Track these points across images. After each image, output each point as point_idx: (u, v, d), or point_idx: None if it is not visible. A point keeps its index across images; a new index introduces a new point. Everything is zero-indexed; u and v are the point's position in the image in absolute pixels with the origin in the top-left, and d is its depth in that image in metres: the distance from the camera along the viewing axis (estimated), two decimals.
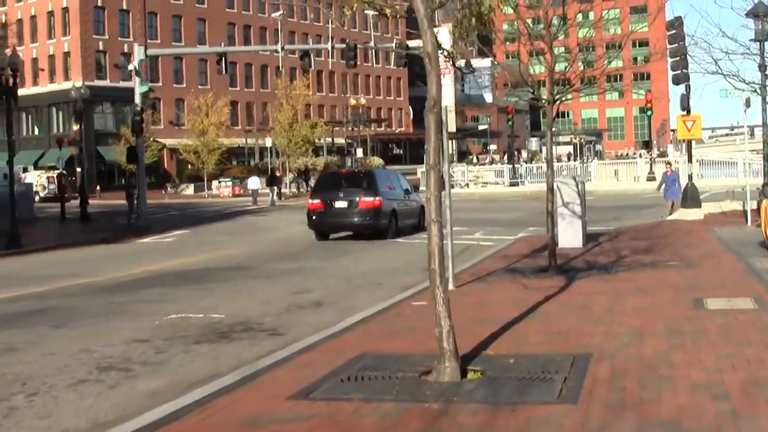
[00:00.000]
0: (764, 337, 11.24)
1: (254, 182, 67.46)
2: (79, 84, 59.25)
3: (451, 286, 17.26)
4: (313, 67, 54.40)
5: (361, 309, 15.47)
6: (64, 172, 57.90)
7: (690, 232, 28.29)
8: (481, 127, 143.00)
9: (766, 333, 11.53)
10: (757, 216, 29.24)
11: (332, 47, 53.41)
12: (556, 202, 24.83)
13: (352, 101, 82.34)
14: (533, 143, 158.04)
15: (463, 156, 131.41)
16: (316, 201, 31.95)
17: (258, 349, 12.78)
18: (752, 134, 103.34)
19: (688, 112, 33.70)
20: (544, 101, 19.62)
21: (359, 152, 70.82)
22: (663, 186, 36.35)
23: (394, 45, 53.79)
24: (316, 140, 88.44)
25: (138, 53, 48.22)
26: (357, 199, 31.62)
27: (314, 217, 31.54)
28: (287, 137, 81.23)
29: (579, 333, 12.11)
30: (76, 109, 51.17)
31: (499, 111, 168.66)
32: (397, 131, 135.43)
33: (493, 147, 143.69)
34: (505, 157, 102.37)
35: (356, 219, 31.86)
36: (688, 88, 34.12)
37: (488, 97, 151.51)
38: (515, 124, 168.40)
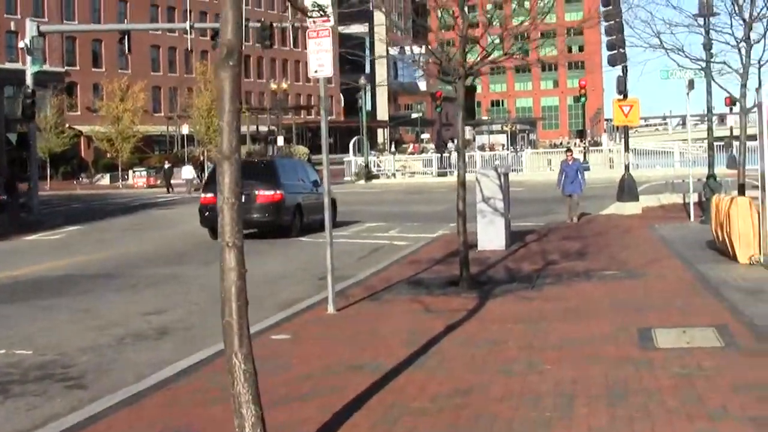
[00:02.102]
0: (745, 402, 7.83)
1: (188, 171, 63.68)
2: None
3: (331, 309, 13.79)
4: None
5: (212, 342, 11.80)
6: None
7: (628, 230, 25.05)
8: (414, 116, 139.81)
9: (746, 393, 8.10)
10: (701, 211, 26.15)
11: (246, 27, 49.49)
12: (476, 196, 21.69)
13: (273, 86, 78.25)
14: (467, 132, 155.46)
15: (397, 145, 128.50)
16: (209, 195, 28.19)
17: (29, 417, 9.11)
18: (683, 124, 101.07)
19: (625, 96, 30.36)
20: (454, 76, 16.08)
21: (280, 140, 66.95)
22: (563, 177, 29.96)
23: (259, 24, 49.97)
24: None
25: (30, 30, 43.86)
26: (255, 192, 28.15)
27: (207, 213, 27.75)
28: (205, 124, 77.16)
29: (483, 395, 8.61)
30: None
31: (433, 99, 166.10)
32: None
33: (425, 136, 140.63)
34: (450, 145, 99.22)
35: (254, 215, 28.33)
36: (625, 69, 30.83)
37: (422, 85, 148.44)
38: (449, 112, 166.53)
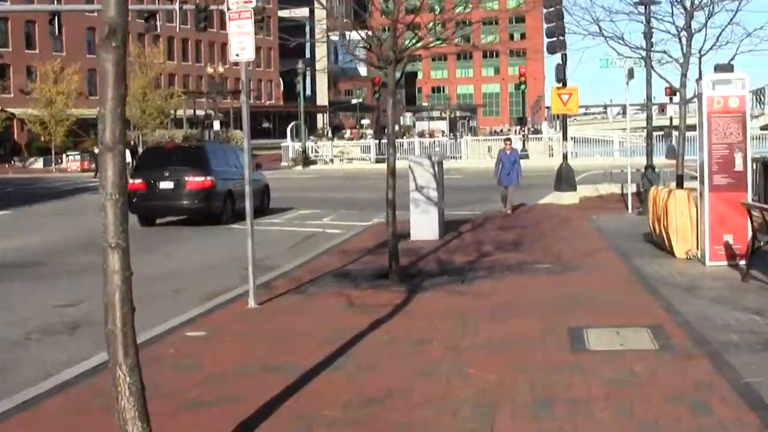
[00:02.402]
0: (678, 414, 7.31)
1: None
2: None
3: (252, 303, 13.16)
4: (158, 30, 49.38)
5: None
6: None
7: (565, 221, 24.63)
8: (354, 101, 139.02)
9: (679, 405, 7.58)
10: (639, 202, 25.83)
11: (180, 8, 48.65)
12: (409, 185, 21.18)
13: (210, 70, 77.02)
14: (408, 118, 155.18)
15: (337, 130, 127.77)
16: (138, 181, 27.37)
17: None
18: (624, 113, 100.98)
19: (564, 84, 29.95)
20: (386, 62, 15.45)
21: (216, 125, 65.82)
22: (500, 168, 28.43)
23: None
24: (173, 112, 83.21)
25: None
26: (184, 178, 27.42)
27: (135, 200, 26.88)
28: (140, 108, 75.84)
29: (403, 400, 8.03)
30: None
31: (373, 85, 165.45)
32: (266, 104, 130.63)
33: (366, 121, 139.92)
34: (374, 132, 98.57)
35: (184, 202, 27.63)
36: (564, 57, 30.41)
37: (363, 71, 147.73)
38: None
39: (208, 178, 27.40)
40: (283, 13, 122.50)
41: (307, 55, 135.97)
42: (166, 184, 27.49)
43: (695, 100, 17.58)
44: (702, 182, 15.46)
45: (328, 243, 21.47)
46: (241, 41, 13.20)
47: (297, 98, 73.67)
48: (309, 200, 35.27)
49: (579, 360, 9.22)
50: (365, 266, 16.94)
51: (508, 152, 28.92)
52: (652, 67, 22.99)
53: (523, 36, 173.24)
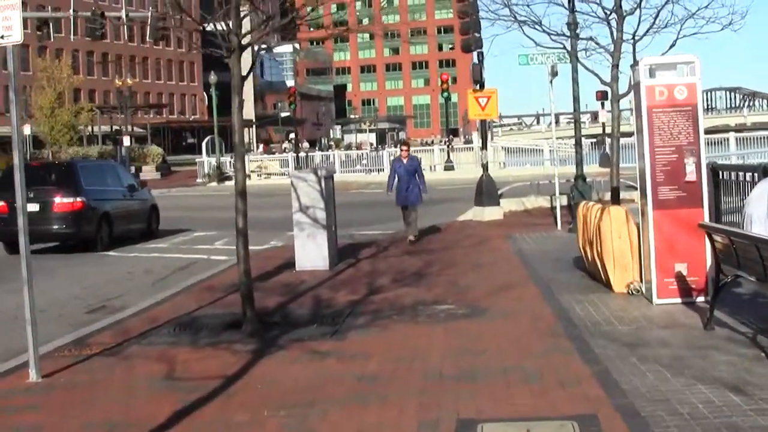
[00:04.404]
0: None
1: None
2: None
3: (34, 376, 9.62)
4: (52, 39, 45.21)
5: None
6: None
7: (483, 242, 21.09)
8: (283, 115, 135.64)
9: None
10: (570, 216, 22.45)
11: (75, 17, 44.76)
12: (292, 205, 17.69)
13: (118, 83, 72.61)
14: (338, 131, 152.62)
15: (265, 144, 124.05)
16: (1, 203, 23.59)
17: None
18: (557, 121, 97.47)
19: (482, 86, 26.35)
20: (227, 50, 11.78)
21: (126, 140, 61.60)
22: (394, 181, 21.86)
23: (150, 14, 45.10)
24: (84, 128, 78.79)
25: None
26: (51, 200, 23.86)
27: (1, 224, 23.19)
28: (49, 124, 71.51)
29: None
30: None
31: (302, 98, 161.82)
32: (190, 119, 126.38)
33: (292, 135, 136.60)
34: (305, 145, 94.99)
35: (51, 226, 23.98)
36: (480, 56, 26.83)
37: (290, 83, 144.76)
38: (320, 112, 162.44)
39: (78, 199, 24.02)
40: (208, 27, 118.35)
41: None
42: (30, 207, 23.62)
43: (630, 96, 14.17)
44: (644, 196, 11.94)
45: (201, 275, 17.88)
46: (6, 18, 9.40)
47: (223, 112, 69.86)
48: (209, 220, 31.48)
49: None
50: (223, 310, 13.30)
51: (404, 160, 21.90)
52: (578, 60, 19.50)
53: (452, 47, 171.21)
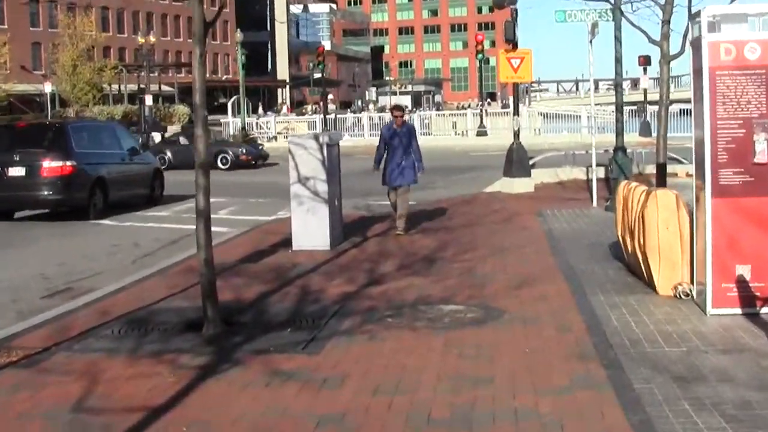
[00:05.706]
0: None
1: None
2: None
3: None
4: None
5: None
6: None
7: (509, 219, 18.85)
8: (317, 76, 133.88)
9: None
10: (607, 192, 20.21)
11: None
12: (290, 176, 15.61)
13: (141, 40, 70.31)
14: (373, 93, 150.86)
15: (299, 105, 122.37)
16: None
17: None
18: (596, 87, 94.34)
19: (515, 46, 23.98)
20: None
21: (148, 99, 59.56)
22: (384, 153, 17.32)
23: None
24: (108, 86, 76.97)
25: None
26: (38, 164, 22.25)
27: None
28: (70, 83, 69.73)
29: None
30: None
31: (339, 59, 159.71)
32: (223, 78, 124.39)
33: (330, 96, 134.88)
34: (332, 107, 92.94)
35: (38, 192, 22.43)
36: (514, 12, 24.48)
37: (327, 45, 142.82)
38: (355, 73, 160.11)
39: (68, 162, 22.40)
40: None
41: (268, 28, 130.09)
42: (16, 171, 22.43)
43: (682, 57, 11.80)
44: (700, 179, 9.62)
45: (190, 250, 15.71)
46: None
47: (260, 73, 68.42)
48: (223, 185, 29.41)
49: None
50: (189, 303, 11.11)
51: (396, 127, 17.26)
52: (623, 14, 17.07)
53: (491, 9, 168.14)
